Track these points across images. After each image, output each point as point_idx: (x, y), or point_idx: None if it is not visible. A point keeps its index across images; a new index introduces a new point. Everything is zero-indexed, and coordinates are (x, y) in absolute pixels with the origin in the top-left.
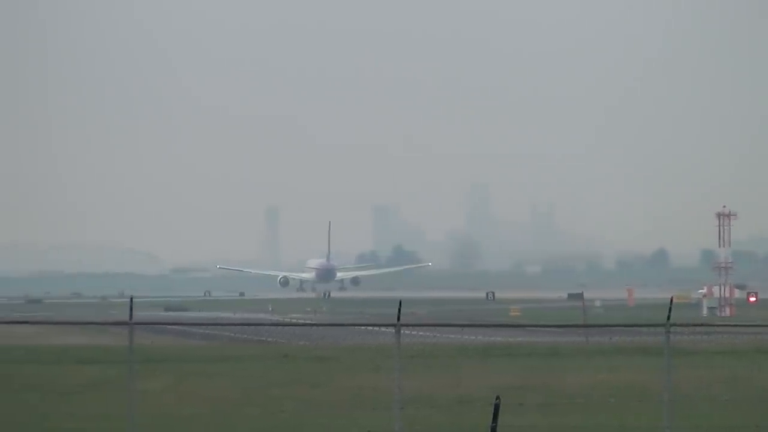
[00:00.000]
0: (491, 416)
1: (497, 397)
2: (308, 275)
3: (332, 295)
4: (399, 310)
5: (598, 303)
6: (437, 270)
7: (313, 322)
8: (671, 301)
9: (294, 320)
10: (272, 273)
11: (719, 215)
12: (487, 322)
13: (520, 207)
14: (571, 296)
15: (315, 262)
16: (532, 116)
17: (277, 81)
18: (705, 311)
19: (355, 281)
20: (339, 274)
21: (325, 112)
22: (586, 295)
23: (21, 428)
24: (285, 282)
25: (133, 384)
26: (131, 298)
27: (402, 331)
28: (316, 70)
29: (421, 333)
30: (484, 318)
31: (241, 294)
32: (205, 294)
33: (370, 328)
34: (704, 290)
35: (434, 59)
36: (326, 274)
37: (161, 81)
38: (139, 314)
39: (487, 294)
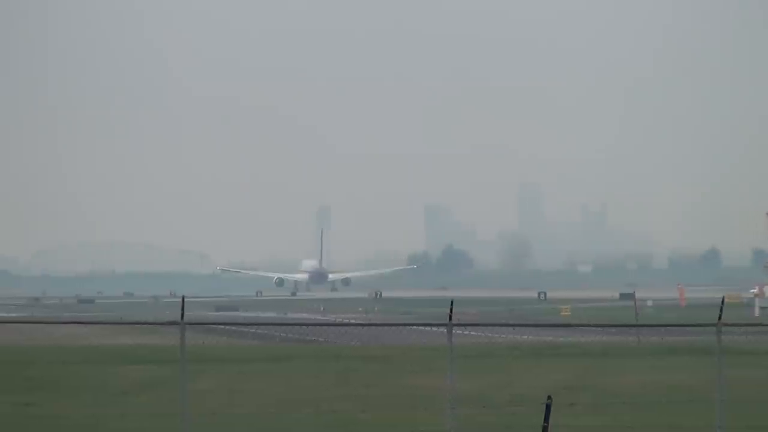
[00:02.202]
0: (543, 416)
1: (549, 397)
2: (302, 276)
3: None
4: (451, 309)
5: (649, 302)
6: (488, 269)
7: (365, 322)
8: (722, 300)
9: (346, 320)
10: (269, 274)
11: None
12: (539, 321)
13: (571, 206)
14: (622, 296)
15: (309, 264)
16: (582, 116)
17: (324, 83)
18: (757, 311)
19: (346, 282)
20: (331, 276)
21: (376, 114)
22: (637, 294)
23: (76, 428)
24: (280, 282)
25: (185, 384)
26: (183, 298)
27: (454, 331)
28: (362, 70)
29: (473, 333)
30: (535, 318)
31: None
32: (256, 294)
33: (422, 328)
34: (756, 290)
35: (482, 59)
36: (319, 277)
37: (215, 84)
38: (191, 314)
39: (538, 294)
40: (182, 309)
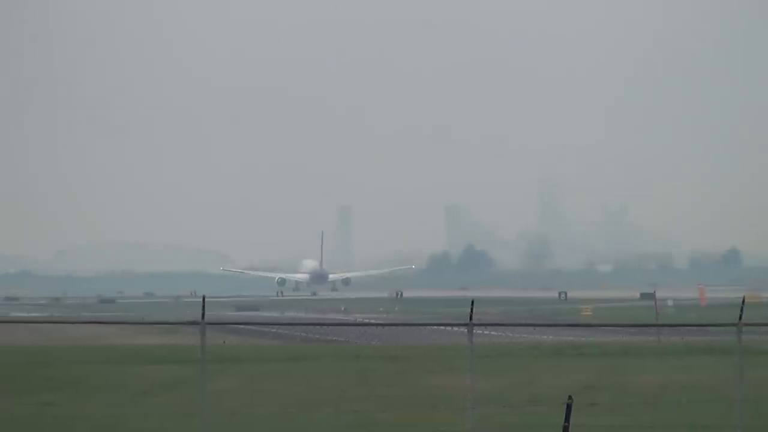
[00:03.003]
0: (563, 416)
1: (569, 397)
2: (302, 276)
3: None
4: (471, 309)
5: (670, 302)
6: (509, 269)
7: (385, 322)
8: (743, 300)
9: (366, 320)
10: (270, 274)
11: None
12: (559, 321)
13: (591, 206)
14: (643, 296)
15: (309, 265)
16: (602, 113)
17: (346, 73)
18: None
19: (346, 281)
20: (331, 276)
21: (397, 110)
22: (658, 294)
23: (96, 428)
24: (282, 282)
25: (206, 384)
26: (203, 298)
27: (474, 331)
28: (386, 61)
29: (493, 333)
30: (556, 317)
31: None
32: (277, 294)
33: (443, 327)
34: None
35: (500, 53)
36: (319, 278)
37: (231, 77)
38: (211, 314)
39: (559, 293)
40: (203, 309)
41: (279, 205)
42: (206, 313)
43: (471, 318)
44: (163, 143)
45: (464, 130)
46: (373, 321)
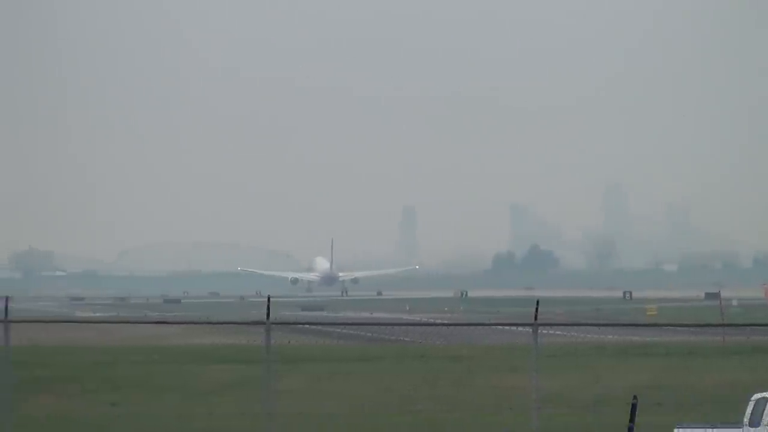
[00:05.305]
0: (629, 415)
1: (635, 397)
2: (314, 276)
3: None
4: (536, 309)
5: (734, 302)
6: (573, 269)
7: (450, 322)
8: None
9: (431, 320)
10: (284, 274)
11: None
12: (625, 321)
13: (656, 205)
14: (708, 295)
15: (322, 265)
16: (667, 114)
17: (411, 73)
18: None
19: (355, 281)
20: (341, 274)
21: (464, 109)
22: (722, 294)
23: (162, 428)
24: (295, 281)
25: (271, 383)
26: (268, 298)
27: (539, 331)
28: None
29: (558, 332)
30: (620, 317)
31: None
32: (342, 293)
33: (507, 327)
34: None
35: (568, 56)
36: (329, 279)
37: (302, 78)
38: (277, 314)
39: (624, 293)
40: (268, 309)
41: (345, 206)
42: (271, 313)
43: (536, 318)
44: (228, 144)
45: (529, 131)
46: (437, 321)
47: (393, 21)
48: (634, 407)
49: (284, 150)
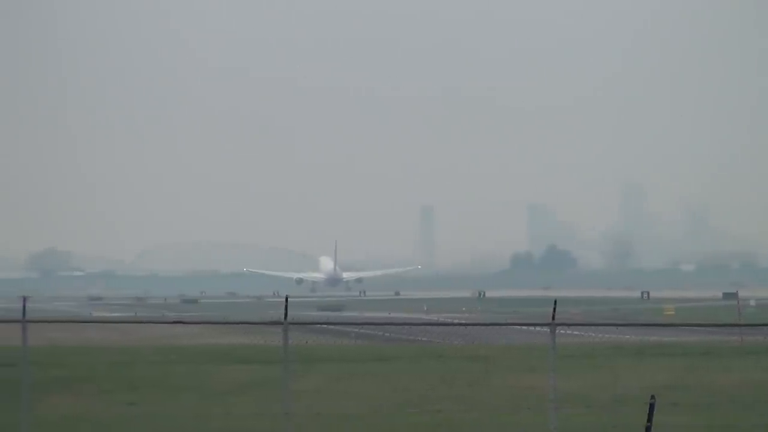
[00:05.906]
0: (646, 416)
1: (652, 397)
2: (319, 276)
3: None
4: (554, 309)
5: (752, 302)
6: (591, 269)
7: (468, 322)
8: None
9: (449, 320)
10: (289, 275)
11: None
12: (642, 321)
13: (674, 205)
14: (725, 295)
15: (326, 266)
16: (685, 114)
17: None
18: None
19: (359, 281)
20: (346, 274)
21: (480, 109)
22: (741, 294)
23: (179, 428)
24: (300, 281)
25: (289, 383)
26: (286, 298)
27: (557, 331)
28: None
29: (575, 332)
30: (638, 317)
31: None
32: (360, 293)
33: (525, 327)
34: None
35: (581, 55)
36: (333, 280)
37: (317, 79)
38: (294, 314)
39: (641, 293)
40: (285, 309)
41: (363, 206)
42: (289, 313)
43: (554, 318)
44: (247, 145)
45: (545, 131)
46: (455, 321)
47: (428, 19)
48: (651, 407)
49: (298, 151)
